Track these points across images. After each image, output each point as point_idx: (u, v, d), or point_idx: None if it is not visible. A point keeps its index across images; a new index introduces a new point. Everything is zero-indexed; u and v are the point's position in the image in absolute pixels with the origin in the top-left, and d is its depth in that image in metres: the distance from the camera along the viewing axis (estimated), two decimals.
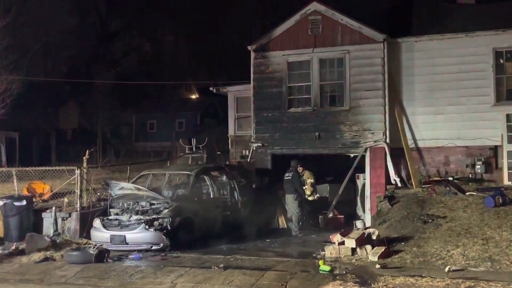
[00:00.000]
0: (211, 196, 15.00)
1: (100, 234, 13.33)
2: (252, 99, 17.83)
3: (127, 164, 19.03)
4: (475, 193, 14.11)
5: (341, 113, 16.81)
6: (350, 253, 11.25)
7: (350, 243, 11.34)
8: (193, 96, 51.46)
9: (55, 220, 14.54)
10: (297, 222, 15.60)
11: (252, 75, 17.79)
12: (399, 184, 15.87)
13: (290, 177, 15.73)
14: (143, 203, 13.83)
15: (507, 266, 9.93)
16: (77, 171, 14.93)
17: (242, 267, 11.05)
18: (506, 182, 15.17)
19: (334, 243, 11.70)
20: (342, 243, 11.47)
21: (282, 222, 16.92)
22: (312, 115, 17.04)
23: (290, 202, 15.76)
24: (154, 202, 13.79)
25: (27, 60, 29.41)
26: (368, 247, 11.20)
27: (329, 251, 11.51)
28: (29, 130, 37.16)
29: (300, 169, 16.14)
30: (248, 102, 18.83)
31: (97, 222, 13.56)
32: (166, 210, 13.42)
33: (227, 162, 20.13)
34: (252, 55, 17.71)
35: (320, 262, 10.59)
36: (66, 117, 45.30)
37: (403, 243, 11.54)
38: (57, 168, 15.98)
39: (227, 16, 46.97)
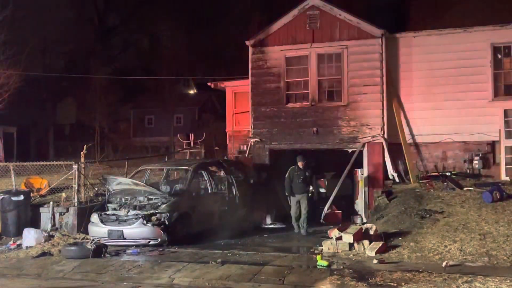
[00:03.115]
0: (209, 191, 14.98)
1: (98, 229, 13.33)
2: (250, 94, 17.80)
3: (125, 159, 19.03)
4: (472, 188, 14.15)
5: (339, 108, 16.81)
6: (347, 248, 11.27)
7: (348, 238, 11.35)
8: (191, 91, 51.41)
9: (53, 215, 14.56)
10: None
11: (250, 70, 17.77)
12: (397, 179, 15.88)
13: (308, 175, 14.98)
14: (141, 198, 13.83)
15: (504, 261, 9.95)
16: (75, 166, 14.91)
17: (239, 262, 11.05)
18: (503, 177, 15.21)
19: (331, 238, 11.72)
20: (340, 238, 11.49)
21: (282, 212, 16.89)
22: (310, 110, 17.04)
23: (305, 199, 14.93)
24: (152, 197, 13.79)
25: (25, 55, 29.31)
26: (366, 242, 11.21)
27: (327, 246, 11.53)
28: (26, 125, 37.12)
29: (302, 164, 15.08)
30: (246, 98, 18.81)
31: (94, 217, 13.55)
32: (164, 205, 13.41)
33: (225, 157, 20.15)
34: (250, 50, 17.70)
35: (318, 257, 10.60)
36: (64, 112, 45.26)
37: (400, 238, 11.56)
38: (55, 163, 15.95)
39: (225, 11, 46.89)
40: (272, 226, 16.27)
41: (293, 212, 15.09)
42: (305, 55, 17.10)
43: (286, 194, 15.31)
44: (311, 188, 15.73)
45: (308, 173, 15.00)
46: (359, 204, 17.11)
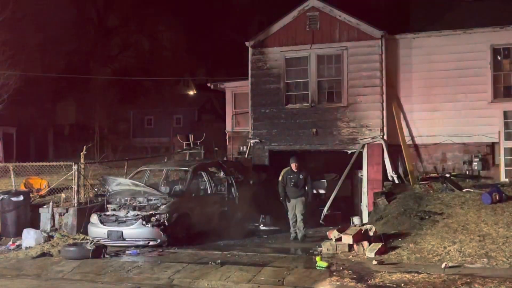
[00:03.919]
0: (209, 192, 15.00)
1: (97, 230, 13.33)
2: (249, 95, 17.81)
3: (124, 160, 19.01)
4: (472, 190, 14.14)
5: (338, 109, 16.82)
6: (347, 249, 11.27)
7: (347, 239, 11.36)
8: (191, 92, 51.42)
9: (52, 215, 14.55)
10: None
11: (250, 71, 17.79)
12: (396, 181, 15.89)
13: (302, 177, 14.13)
14: (141, 199, 13.84)
15: (503, 263, 9.96)
16: (75, 167, 14.91)
17: (239, 263, 11.06)
18: (503, 179, 15.22)
19: (331, 239, 11.72)
20: (339, 239, 11.49)
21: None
22: (310, 111, 17.05)
23: (301, 203, 14.13)
24: (151, 197, 13.80)
25: (24, 55, 29.30)
26: (365, 243, 11.22)
27: (326, 247, 11.53)
28: (26, 126, 37.09)
29: (295, 166, 14.28)
30: (246, 98, 18.82)
31: (94, 218, 13.56)
32: (164, 206, 13.42)
33: (225, 158, 20.14)
34: (250, 51, 17.71)
35: (317, 258, 10.61)
36: (64, 112, 45.20)
37: (400, 239, 11.56)
38: (55, 163, 15.94)
39: (225, 11, 46.88)
40: (272, 228, 16.24)
41: (290, 217, 14.28)
42: (305, 56, 17.12)
43: (281, 199, 14.36)
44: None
45: (302, 175, 14.09)
46: (358, 205, 17.11)
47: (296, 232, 14.17)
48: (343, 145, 16.79)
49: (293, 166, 14.19)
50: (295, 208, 14.16)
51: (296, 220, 14.17)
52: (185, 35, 46.31)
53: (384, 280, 9.13)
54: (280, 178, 14.31)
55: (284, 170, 14.39)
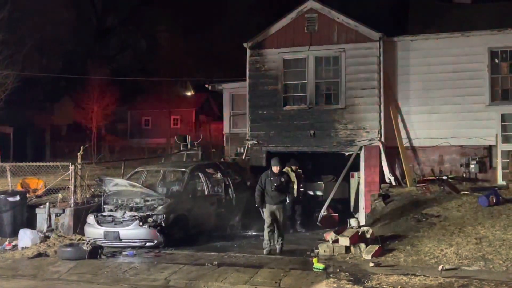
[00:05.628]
0: (206, 193, 14.97)
1: (94, 230, 13.29)
2: (247, 96, 17.81)
3: (121, 160, 18.99)
4: (469, 192, 14.15)
5: (336, 111, 16.82)
6: (344, 251, 11.25)
7: (344, 241, 11.34)
8: (189, 93, 51.43)
9: (49, 216, 14.51)
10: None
11: (247, 73, 17.78)
12: (394, 183, 15.90)
13: (284, 180, 12.56)
14: (137, 200, 13.80)
15: (500, 266, 9.95)
16: (71, 167, 14.87)
17: (236, 264, 11.04)
18: (500, 181, 15.24)
19: (328, 241, 11.70)
20: (336, 241, 11.48)
21: None
22: (308, 113, 17.05)
23: (281, 210, 12.54)
24: (148, 198, 13.76)
25: (22, 55, 29.35)
26: (362, 245, 11.21)
27: (323, 249, 11.51)
28: (23, 126, 37.10)
29: (277, 169, 12.55)
30: (243, 100, 18.83)
31: (91, 218, 13.52)
32: (161, 206, 13.39)
33: (222, 159, 20.13)
34: (248, 52, 17.71)
35: (314, 260, 10.59)
36: (61, 112, 45.23)
37: (397, 241, 11.55)
38: (51, 164, 15.92)
39: (223, 12, 46.91)
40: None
41: (266, 225, 12.46)
42: (303, 58, 17.13)
43: (256, 205, 12.68)
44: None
45: (283, 178, 12.45)
46: (356, 207, 17.11)
47: (270, 245, 12.44)
48: (340, 147, 16.80)
49: (275, 168, 12.46)
50: (273, 215, 12.38)
51: (273, 230, 12.44)
52: (184, 35, 46.32)
53: (381, 282, 9.12)
54: (259, 181, 12.61)
55: (264, 173, 12.77)
